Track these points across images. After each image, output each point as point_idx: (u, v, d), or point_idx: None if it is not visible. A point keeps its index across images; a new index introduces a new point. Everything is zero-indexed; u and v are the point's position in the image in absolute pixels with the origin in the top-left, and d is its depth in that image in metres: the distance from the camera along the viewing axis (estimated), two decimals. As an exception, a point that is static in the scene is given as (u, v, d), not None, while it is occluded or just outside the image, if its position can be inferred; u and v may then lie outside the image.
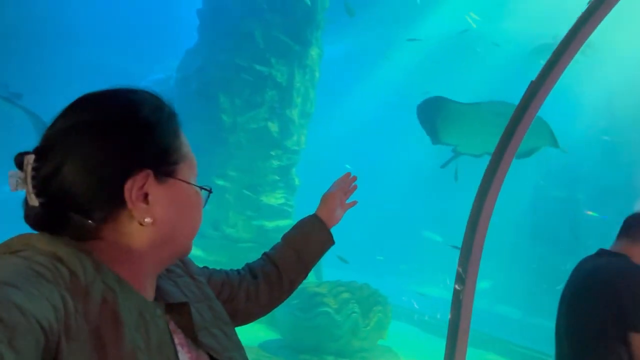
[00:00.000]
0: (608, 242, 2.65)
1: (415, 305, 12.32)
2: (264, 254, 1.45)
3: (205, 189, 0.95)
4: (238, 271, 1.36)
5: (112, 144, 0.81)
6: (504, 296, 12.63)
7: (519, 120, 2.11)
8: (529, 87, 2.16)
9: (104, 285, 0.75)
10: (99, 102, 0.86)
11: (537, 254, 13.04)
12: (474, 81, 14.37)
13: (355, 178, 1.63)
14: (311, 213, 1.54)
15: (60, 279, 0.69)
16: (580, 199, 12.50)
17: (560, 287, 2.63)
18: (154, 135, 0.85)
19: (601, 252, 2.55)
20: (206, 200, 0.96)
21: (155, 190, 0.84)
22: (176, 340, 0.87)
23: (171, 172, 0.87)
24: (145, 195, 0.83)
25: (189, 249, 0.95)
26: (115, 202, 0.81)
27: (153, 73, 15.15)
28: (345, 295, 7.73)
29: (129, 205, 0.82)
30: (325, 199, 1.55)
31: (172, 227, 0.88)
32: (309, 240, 1.45)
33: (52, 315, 0.63)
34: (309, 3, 10.13)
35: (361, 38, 15.85)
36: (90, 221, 0.80)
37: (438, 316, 11.58)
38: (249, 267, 1.39)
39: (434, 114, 7.65)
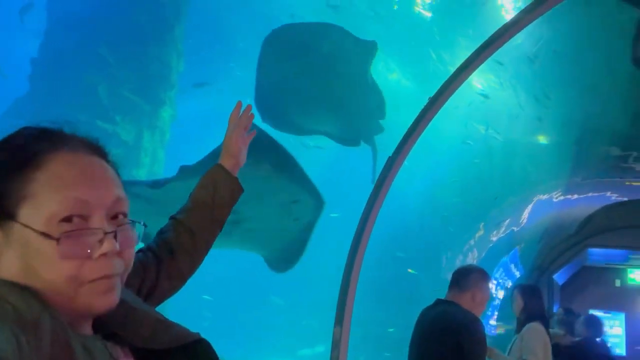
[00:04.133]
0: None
1: None
2: (173, 219, 1.35)
3: (49, 236, 0.74)
4: (154, 253, 1.26)
5: None
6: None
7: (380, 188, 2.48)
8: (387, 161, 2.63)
9: (52, 319, 0.72)
10: None
11: (378, 315, 13.97)
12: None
13: (249, 107, 1.51)
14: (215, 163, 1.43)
15: (7, 316, 0.68)
16: (411, 257, 13.96)
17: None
18: None
19: (438, 302, 3.01)
20: (65, 249, 0.74)
21: None
22: None
23: (10, 215, 0.75)
24: None
25: (83, 309, 0.78)
26: None
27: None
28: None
29: None
30: (227, 143, 1.45)
31: (31, 281, 0.75)
32: (217, 195, 1.37)
33: (7, 352, 0.63)
34: (161, 64, 10.05)
35: (218, 98, 16.06)
36: None
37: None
38: (164, 242, 1.29)
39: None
